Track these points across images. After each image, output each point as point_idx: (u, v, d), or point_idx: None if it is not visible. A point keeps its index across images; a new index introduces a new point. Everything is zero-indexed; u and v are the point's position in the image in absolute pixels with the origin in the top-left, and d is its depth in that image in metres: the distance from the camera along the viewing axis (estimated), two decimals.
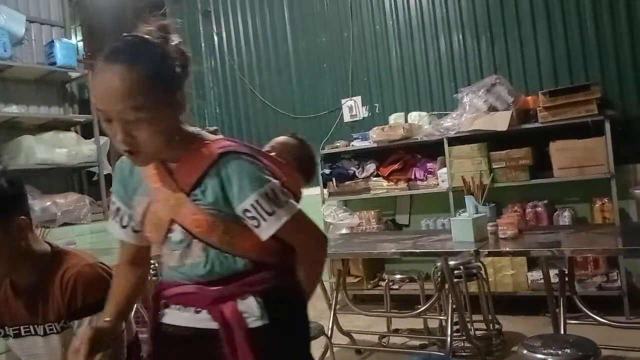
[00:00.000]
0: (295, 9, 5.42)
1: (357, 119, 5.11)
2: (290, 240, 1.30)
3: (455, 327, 3.28)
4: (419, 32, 4.80)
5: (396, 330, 3.90)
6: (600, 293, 3.84)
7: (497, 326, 3.61)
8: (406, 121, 4.63)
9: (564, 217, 4.01)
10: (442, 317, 3.57)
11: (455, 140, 4.25)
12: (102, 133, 4.90)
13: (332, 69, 5.25)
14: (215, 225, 1.23)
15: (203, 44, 5.96)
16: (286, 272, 1.33)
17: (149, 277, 1.51)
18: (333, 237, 4.06)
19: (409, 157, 4.66)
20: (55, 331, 1.62)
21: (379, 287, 4.51)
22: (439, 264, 3.40)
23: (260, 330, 1.25)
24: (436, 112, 4.66)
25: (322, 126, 5.24)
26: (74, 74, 5.30)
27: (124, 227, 1.40)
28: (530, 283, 4.08)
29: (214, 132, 1.35)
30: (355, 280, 4.72)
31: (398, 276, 4.08)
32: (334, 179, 4.85)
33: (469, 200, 3.12)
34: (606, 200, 3.89)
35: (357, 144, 4.78)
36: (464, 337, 3.34)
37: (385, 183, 4.64)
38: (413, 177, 4.57)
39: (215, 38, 5.92)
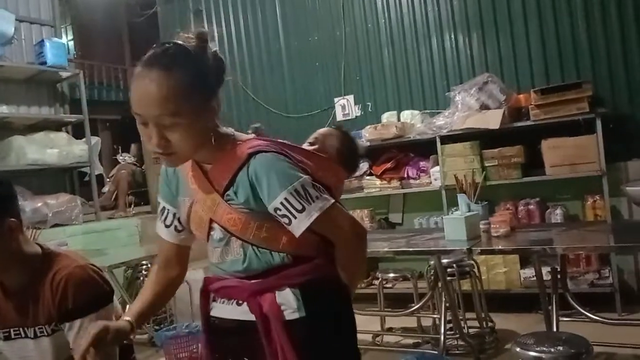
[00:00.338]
0: (287, 7, 5.41)
1: (350, 117, 5.10)
2: (327, 234, 1.31)
3: (448, 325, 3.28)
4: (411, 30, 4.81)
5: (390, 329, 3.91)
6: (592, 290, 3.87)
7: (490, 324, 3.63)
8: (399, 120, 4.64)
9: (556, 215, 4.02)
10: (435, 316, 3.59)
11: (447, 139, 4.26)
12: (93, 133, 4.88)
13: (324, 68, 5.24)
14: (249, 223, 1.26)
15: None
16: (327, 266, 1.33)
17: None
18: None
19: (402, 155, 4.66)
20: (45, 334, 1.61)
21: (372, 286, 4.50)
22: (432, 262, 3.41)
23: (297, 323, 1.27)
24: (428, 111, 4.67)
25: (315, 125, 5.16)
26: (64, 74, 5.27)
27: (168, 226, 1.44)
28: (522, 280, 4.10)
29: (258, 128, 1.37)
30: None
31: (391, 275, 4.09)
32: None
33: (462, 199, 3.12)
34: (598, 198, 3.91)
35: None
36: (458, 335, 3.35)
37: (378, 182, 4.65)
38: (406, 175, 4.57)
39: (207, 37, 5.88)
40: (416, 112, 4.64)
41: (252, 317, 1.29)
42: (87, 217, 5.30)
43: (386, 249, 3.14)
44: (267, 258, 1.29)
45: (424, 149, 4.48)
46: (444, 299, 3.24)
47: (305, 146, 1.64)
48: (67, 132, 5.44)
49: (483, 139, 4.19)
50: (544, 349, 2.07)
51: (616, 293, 3.79)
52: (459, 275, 3.50)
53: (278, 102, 5.46)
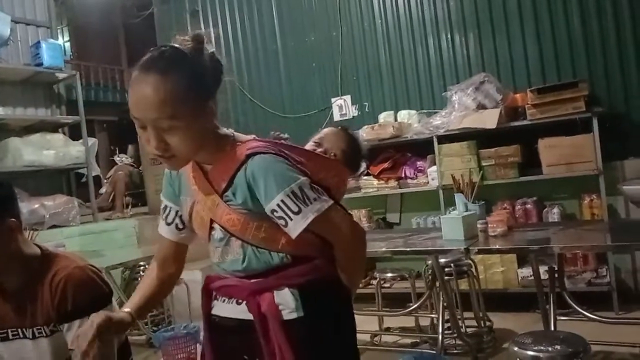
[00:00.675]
0: (283, 8, 5.41)
1: (347, 117, 5.11)
2: (325, 236, 1.31)
3: (446, 325, 3.29)
4: (408, 30, 4.81)
5: (388, 329, 3.91)
6: (590, 289, 3.88)
7: (488, 323, 3.63)
8: (396, 120, 4.64)
9: (553, 214, 4.03)
10: (433, 315, 3.59)
11: (444, 139, 4.27)
12: (90, 134, 4.87)
13: (321, 68, 5.25)
14: (248, 224, 1.27)
15: None
16: (327, 266, 1.33)
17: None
18: None
19: (399, 155, 4.67)
20: (44, 335, 1.61)
21: (370, 286, 4.50)
22: (429, 262, 3.41)
23: (294, 323, 1.27)
24: (425, 111, 4.67)
25: (312, 125, 5.22)
26: (61, 75, 5.26)
27: (169, 224, 1.46)
28: (520, 280, 4.10)
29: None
30: None
31: (389, 274, 4.08)
32: None
33: (459, 198, 3.12)
34: (594, 197, 3.92)
35: None
36: (455, 335, 3.36)
37: (375, 182, 4.65)
38: (403, 175, 4.58)
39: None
40: (413, 112, 4.65)
41: (251, 316, 1.30)
42: (85, 218, 5.29)
43: (384, 249, 3.14)
44: (266, 258, 1.30)
45: (421, 148, 4.48)
46: (441, 299, 3.25)
47: (311, 146, 1.64)
48: (64, 133, 5.43)
49: (480, 138, 4.20)
50: (542, 348, 2.07)
51: (613, 292, 3.80)
52: (457, 275, 3.50)
53: (275, 103, 5.46)
